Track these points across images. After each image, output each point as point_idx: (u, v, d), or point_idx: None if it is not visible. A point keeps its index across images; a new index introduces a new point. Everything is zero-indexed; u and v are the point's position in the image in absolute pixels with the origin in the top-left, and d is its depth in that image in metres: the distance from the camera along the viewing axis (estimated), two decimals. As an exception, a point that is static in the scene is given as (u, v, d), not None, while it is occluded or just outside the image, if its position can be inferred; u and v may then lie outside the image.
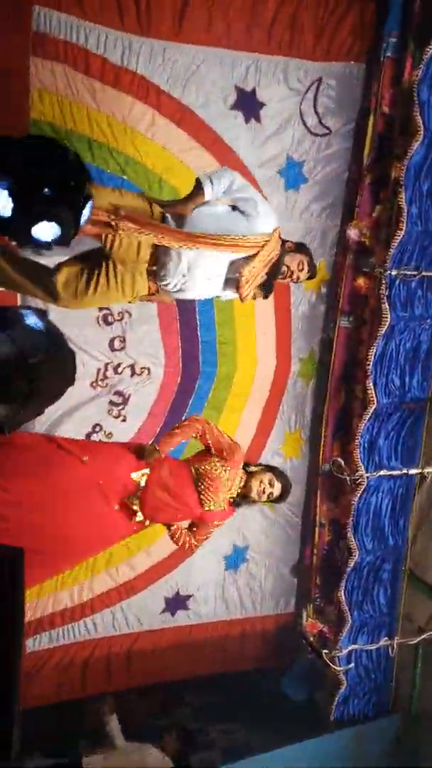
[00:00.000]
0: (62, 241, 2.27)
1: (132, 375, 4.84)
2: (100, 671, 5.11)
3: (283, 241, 3.47)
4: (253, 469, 3.64)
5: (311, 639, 5.23)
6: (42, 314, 2.30)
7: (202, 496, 3.43)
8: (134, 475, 3.32)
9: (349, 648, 4.99)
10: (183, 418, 5.00)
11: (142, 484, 3.32)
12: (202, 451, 3.60)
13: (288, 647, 5.59)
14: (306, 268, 3.56)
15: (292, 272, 3.52)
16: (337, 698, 5.13)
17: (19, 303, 4.02)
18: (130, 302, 3.56)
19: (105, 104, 4.18)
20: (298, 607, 5.55)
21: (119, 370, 4.79)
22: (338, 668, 5.00)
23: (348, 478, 4.84)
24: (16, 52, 3.84)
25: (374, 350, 4.64)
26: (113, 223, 3.03)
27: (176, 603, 5.26)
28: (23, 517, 3.03)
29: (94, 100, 4.14)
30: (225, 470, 3.48)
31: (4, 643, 2.10)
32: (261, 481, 3.56)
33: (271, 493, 3.59)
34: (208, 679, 5.42)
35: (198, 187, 3.24)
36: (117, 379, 4.79)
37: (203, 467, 3.48)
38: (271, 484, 3.58)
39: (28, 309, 2.35)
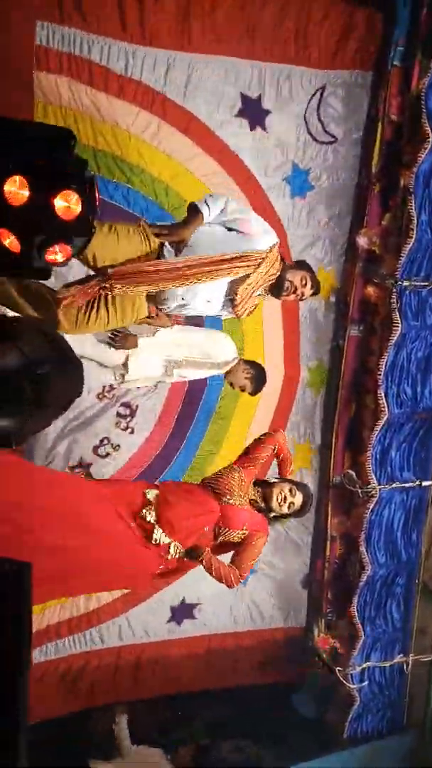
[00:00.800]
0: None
1: (139, 386, 4.80)
2: (108, 682, 5.05)
3: (283, 259, 3.48)
4: (273, 480, 3.57)
5: (323, 655, 5.15)
6: (49, 324, 2.27)
7: (216, 490, 3.36)
8: (147, 492, 3.27)
9: (363, 665, 4.91)
10: (191, 427, 4.99)
11: (155, 499, 3.26)
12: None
13: (299, 662, 5.51)
14: (309, 283, 3.53)
15: (296, 288, 3.49)
16: (350, 715, 5.05)
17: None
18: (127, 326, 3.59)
19: (109, 114, 4.19)
20: (309, 622, 5.48)
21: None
22: (352, 686, 4.92)
23: (360, 491, 4.78)
24: (19, 66, 3.87)
25: (385, 360, 4.60)
26: (105, 286, 3.09)
27: (182, 612, 5.20)
28: (27, 534, 2.98)
29: (98, 110, 4.16)
30: (238, 472, 3.45)
31: (11, 654, 2.06)
32: (281, 490, 3.47)
33: (291, 503, 3.48)
34: (218, 694, 5.35)
35: (195, 210, 3.24)
36: (123, 391, 4.76)
37: (214, 476, 3.47)
38: (291, 493, 3.48)
39: (35, 319, 2.32)
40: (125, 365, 4.12)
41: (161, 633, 5.17)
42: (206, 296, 3.36)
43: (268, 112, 4.57)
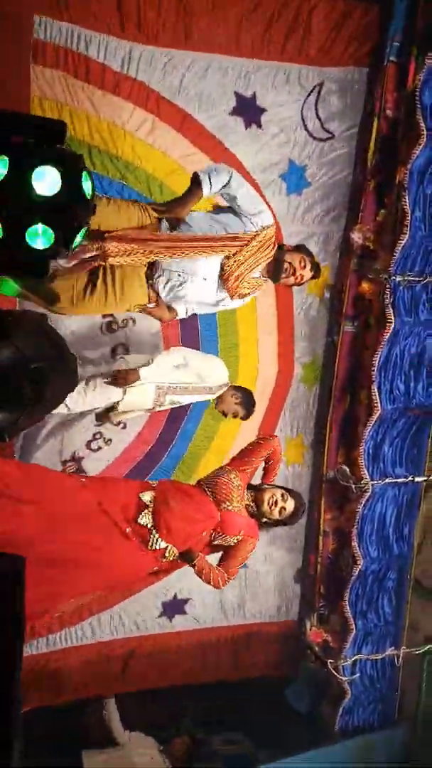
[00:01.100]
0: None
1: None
2: (100, 676, 5.06)
3: (281, 245, 3.50)
4: (264, 486, 3.55)
5: (315, 648, 5.17)
6: (43, 319, 2.27)
7: (216, 496, 3.33)
8: (143, 496, 3.23)
9: (354, 657, 4.94)
10: (183, 423, 4.99)
11: (152, 502, 3.22)
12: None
13: (292, 656, 5.54)
14: (308, 265, 3.54)
15: (295, 269, 3.50)
16: (341, 708, 5.07)
17: (18, 308, 3.99)
18: (128, 310, 3.54)
19: (105, 111, 4.18)
20: (302, 616, 5.50)
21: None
22: (343, 678, 4.95)
23: (352, 486, 4.80)
24: (16, 60, 3.85)
25: (379, 355, 4.61)
26: (99, 252, 3.06)
27: (173, 607, 5.21)
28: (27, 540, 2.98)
29: (94, 107, 4.15)
30: (235, 477, 3.43)
31: (4, 647, 2.07)
32: (273, 495, 3.46)
33: (283, 508, 3.46)
34: (211, 687, 5.37)
35: (196, 184, 3.21)
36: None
37: (212, 478, 3.43)
38: (283, 498, 3.47)
39: (30, 313, 2.32)
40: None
41: (153, 627, 5.19)
42: (203, 273, 3.38)
43: (263, 110, 4.57)
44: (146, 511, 3.18)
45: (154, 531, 3.17)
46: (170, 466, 5.02)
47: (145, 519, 3.17)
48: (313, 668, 5.28)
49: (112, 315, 4.59)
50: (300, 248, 3.61)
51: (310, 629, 5.27)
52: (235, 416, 4.47)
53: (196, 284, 3.42)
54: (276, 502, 3.45)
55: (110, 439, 4.80)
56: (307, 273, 3.56)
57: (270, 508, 3.44)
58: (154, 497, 3.24)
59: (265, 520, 3.51)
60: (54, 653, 4.88)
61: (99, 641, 5.02)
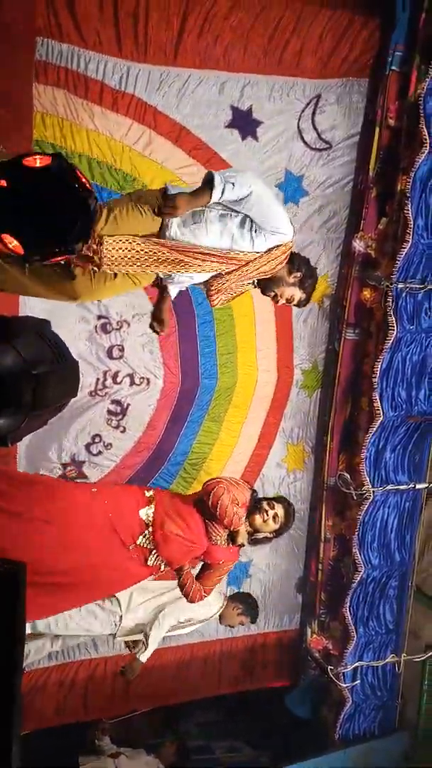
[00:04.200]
0: None
1: (131, 384, 4.83)
2: (102, 691, 5.00)
3: (292, 269, 3.22)
4: (251, 508, 3.58)
5: (316, 655, 5.16)
6: (45, 324, 2.28)
7: (209, 529, 3.42)
8: (142, 513, 3.32)
9: (355, 664, 4.93)
10: (182, 429, 5.00)
11: (150, 520, 3.32)
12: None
13: (293, 663, 5.52)
14: (296, 301, 3.31)
15: (278, 300, 3.29)
16: (342, 715, 5.06)
17: (20, 313, 4.02)
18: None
19: (104, 126, 4.29)
20: (303, 623, 5.49)
21: (118, 379, 4.77)
22: (343, 685, 4.93)
23: (354, 493, 4.80)
24: (19, 79, 3.97)
25: (380, 363, 4.61)
26: (96, 258, 2.91)
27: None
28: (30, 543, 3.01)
29: (93, 122, 4.26)
30: (235, 506, 3.44)
31: (4, 660, 2.06)
32: (260, 508, 3.55)
33: (275, 515, 3.55)
34: (213, 695, 5.35)
35: (208, 186, 2.94)
36: (116, 389, 4.78)
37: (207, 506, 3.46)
38: (270, 506, 3.57)
39: (32, 319, 2.33)
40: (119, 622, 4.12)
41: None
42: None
43: (259, 122, 4.62)
44: (146, 532, 3.31)
45: (153, 552, 3.34)
46: (172, 472, 5.03)
47: (145, 541, 3.31)
48: (313, 675, 5.27)
49: (106, 317, 4.62)
50: (303, 284, 3.27)
51: (311, 636, 5.26)
52: (242, 624, 4.53)
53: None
54: (266, 512, 3.54)
55: (110, 444, 4.81)
56: (292, 302, 3.31)
57: (264, 520, 3.53)
58: (153, 515, 3.34)
59: (264, 535, 3.60)
60: (56, 668, 4.83)
61: (102, 657, 4.96)
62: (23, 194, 2.06)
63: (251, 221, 3.01)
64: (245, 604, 4.46)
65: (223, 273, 3.11)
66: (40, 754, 4.11)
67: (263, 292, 3.30)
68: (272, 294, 3.27)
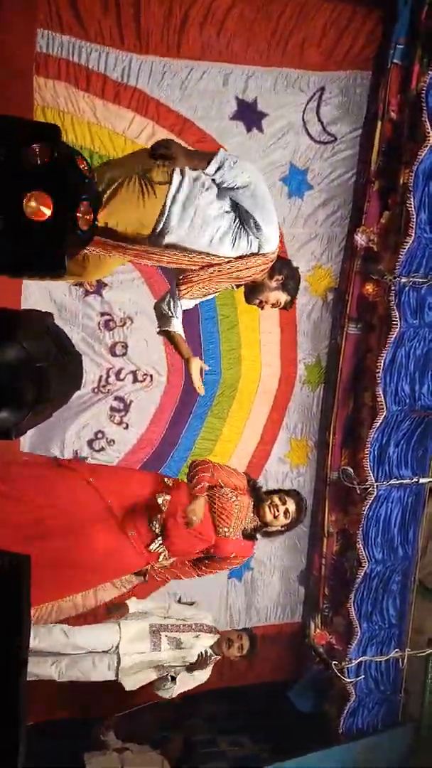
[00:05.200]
0: None
1: (134, 381, 4.83)
2: (105, 685, 4.98)
3: (273, 273, 3.12)
4: (262, 496, 3.53)
5: (320, 650, 5.16)
6: (49, 317, 2.28)
7: (216, 522, 3.37)
8: (159, 498, 3.26)
9: (359, 659, 4.93)
10: (186, 425, 4.99)
11: (165, 507, 3.25)
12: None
13: (296, 657, 5.53)
14: (282, 304, 3.26)
15: (263, 306, 3.25)
16: (345, 710, 5.06)
17: (23, 306, 4.02)
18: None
19: (106, 119, 4.27)
20: (306, 617, 5.49)
21: (121, 375, 4.77)
22: (347, 680, 4.94)
23: (357, 487, 4.79)
24: (20, 71, 3.94)
25: (384, 357, 4.60)
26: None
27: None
28: (21, 532, 3.00)
29: (95, 115, 4.24)
30: (236, 496, 3.42)
31: (9, 653, 2.06)
32: (271, 503, 3.46)
33: (286, 510, 3.46)
34: (217, 690, 5.35)
35: (211, 155, 2.81)
36: (119, 385, 4.78)
37: (215, 493, 3.41)
38: (282, 501, 3.47)
39: (35, 313, 2.33)
40: (117, 649, 4.05)
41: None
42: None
43: (264, 114, 4.60)
44: (159, 516, 3.22)
45: (159, 538, 3.25)
46: (175, 469, 5.03)
47: (156, 527, 3.22)
48: (317, 670, 5.27)
49: (109, 313, 4.62)
50: (286, 286, 3.19)
51: (315, 631, 5.26)
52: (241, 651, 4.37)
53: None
54: (277, 508, 3.46)
55: (113, 440, 4.81)
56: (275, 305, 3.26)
57: (274, 515, 3.45)
58: (167, 504, 3.25)
59: (274, 529, 3.53)
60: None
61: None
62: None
63: (241, 220, 2.91)
64: (249, 643, 4.33)
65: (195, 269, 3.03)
66: (44, 755, 4.12)
67: (248, 301, 3.23)
68: (257, 302, 3.21)
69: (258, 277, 3.09)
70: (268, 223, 2.94)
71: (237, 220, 2.92)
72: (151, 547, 3.25)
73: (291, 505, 3.49)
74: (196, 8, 4.15)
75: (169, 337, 3.24)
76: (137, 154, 3.09)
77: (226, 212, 2.92)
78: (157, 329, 3.26)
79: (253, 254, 2.99)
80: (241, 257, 2.99)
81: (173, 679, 4.00)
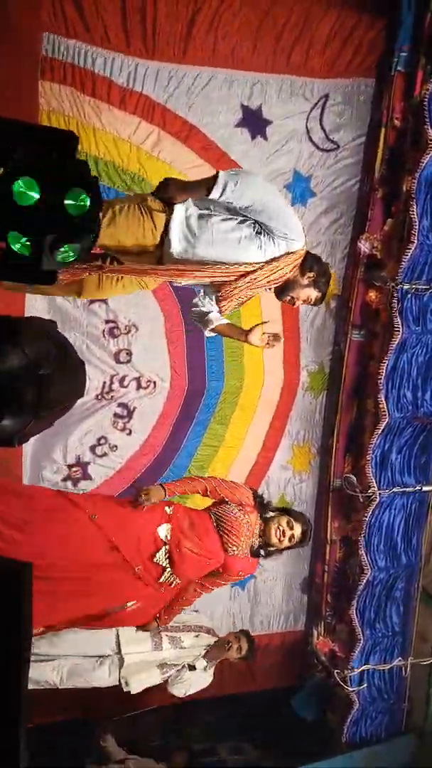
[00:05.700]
0: None
1: (138, 388, 4.83)
2: (105, 689, 4.98)
3: (304, 269, 3.09)
4: (270, 514, 3.54)
5: (322, 658, 5.14)
6: (51, 325, 2.28)
7: (225, 541, 3.37)
8: (160, 531, 3.27)
9: (361, 668, 4.90)
10: (188, 431, 5.00)
11: (168, 538, 3.27)
12: (218, 500, 3.54)
13: (299, 665, 5.50)
14: (312, 300, 3.24)
15: (294, 302, 3.22)
16: (349, 719, 5.03)
17: (26, 314, 4.03)
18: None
19: (111, 124, 4.28)
20: (309, 625, 5.47)
21: (125, 383, 4.78)
22: (350, 688, 4.91)
23: (360, 495, 4.78)
24: (25, 75, 3.95)
25: (386, 364, 4.60)
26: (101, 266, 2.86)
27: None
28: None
29: (100, 120, 4.25)
30: (243, 514, 3.43)
31: (10, 659, 2.06)
32: (279, 525, 3.46)
33: (292, 536, 3.47)
34: (218, 697, 5.33)
35: (212, 180, 2.81)
36: (122, 392, 4.78)
37: (222, 511, 3.43)
38: (289, 526, 3.47)
39: (38, 320, 2.33)
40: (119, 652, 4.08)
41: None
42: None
43: (269, 122, 4.63)
44: (163, 548, 3.26)
45: (168, 569, 3.28)
46: (177, 474, 5.01)
47: (161, 559, 3.25)
48: (319, 677, 5.25)
49: (114, 321, 4.63)
50: (317, 283, 3.14)
51: (317, 639, 5.24)
52: (246, 659, 4.43)
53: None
54: (284, 533, 3.46)
55: (116, 446, 4.82)
56: (309, 302, 3.23)
57: (279, 539, 3.46)
58: (170, 533, 3.28)
59: (274, 549, 3.53)
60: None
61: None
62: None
63: (261, 227, 2.89)
64: (248, 648, 4.34)
65: (231, 281, 3.02)
66: (44, 755, 4.11)
67: (278, 298, 3.21)
68: (288, 298, 3.18)
69: (290, 275, 3.07)
70: (289, 228, 2.93)
71: (257, 225, 2.91)
72: (161, 579, 3.30)
73: (297, 531, 3.49)
74: (202, 14, 4.17)
75: (218, 332, 3.25)
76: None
77: (244, 220, 2.90)
78: (206, 334, 3.27)
79: (286, 254, 2.99)
80: (272, 260, 2.98)
81: (192, 667, 4.01)
